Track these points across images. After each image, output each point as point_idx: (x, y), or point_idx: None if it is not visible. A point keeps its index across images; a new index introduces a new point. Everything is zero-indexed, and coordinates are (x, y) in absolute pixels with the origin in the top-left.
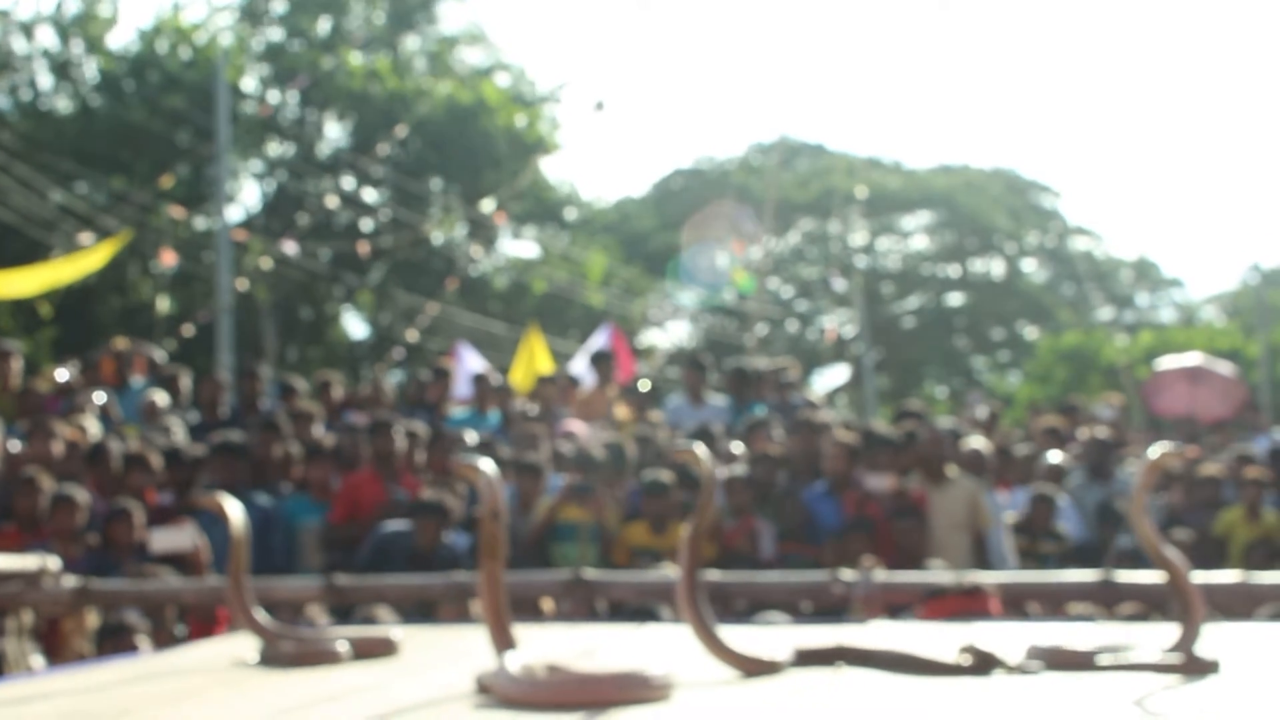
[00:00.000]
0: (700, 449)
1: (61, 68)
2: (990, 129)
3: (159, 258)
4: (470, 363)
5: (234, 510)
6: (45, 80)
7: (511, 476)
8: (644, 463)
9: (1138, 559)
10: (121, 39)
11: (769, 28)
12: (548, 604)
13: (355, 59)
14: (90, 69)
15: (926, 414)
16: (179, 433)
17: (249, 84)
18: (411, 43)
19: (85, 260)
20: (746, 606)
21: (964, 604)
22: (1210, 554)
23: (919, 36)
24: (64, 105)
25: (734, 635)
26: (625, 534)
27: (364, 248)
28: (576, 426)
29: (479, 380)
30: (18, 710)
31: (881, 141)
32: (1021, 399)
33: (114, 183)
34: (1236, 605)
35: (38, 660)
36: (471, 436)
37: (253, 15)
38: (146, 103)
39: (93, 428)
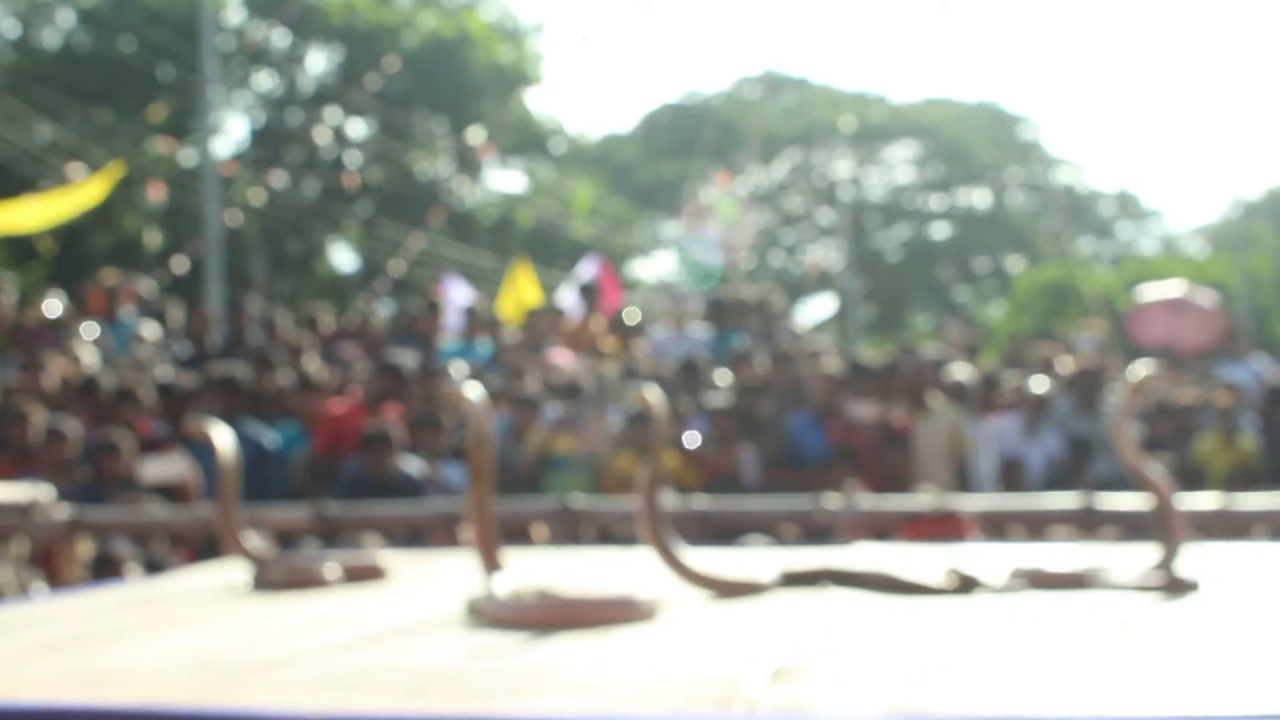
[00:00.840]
0: (651, 392)
1: (45, 4)
2: (973, 62)
3: (147, 192)
4: (458, 295)
5: (223, 439)
6: (27, 15)
7: (505, 407)
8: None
9: (1109, 487)
10: None
11: None
12: (540, 531)
13: None
14: (76, 3)
15: (912, 349)
16: (161, 364)
17: (232, 17)
18: None
19: (82, 194)
20: (732, 531)
21: (940, 526)
22: (1187, 481)
23: None
24: (49, 40)
25: (719, 559)
26: (615, 463)
27: (353, 180)
28: (561, 357)
29: (469, 312)
30: (13, 635)
31: (866, 75)
32: (1002, 330)
33: (100, 116)
34: (1218, 530)
35: (40, 586)
36: (462, 368)
37: None
38: (132, 36)
39: (87, 358)
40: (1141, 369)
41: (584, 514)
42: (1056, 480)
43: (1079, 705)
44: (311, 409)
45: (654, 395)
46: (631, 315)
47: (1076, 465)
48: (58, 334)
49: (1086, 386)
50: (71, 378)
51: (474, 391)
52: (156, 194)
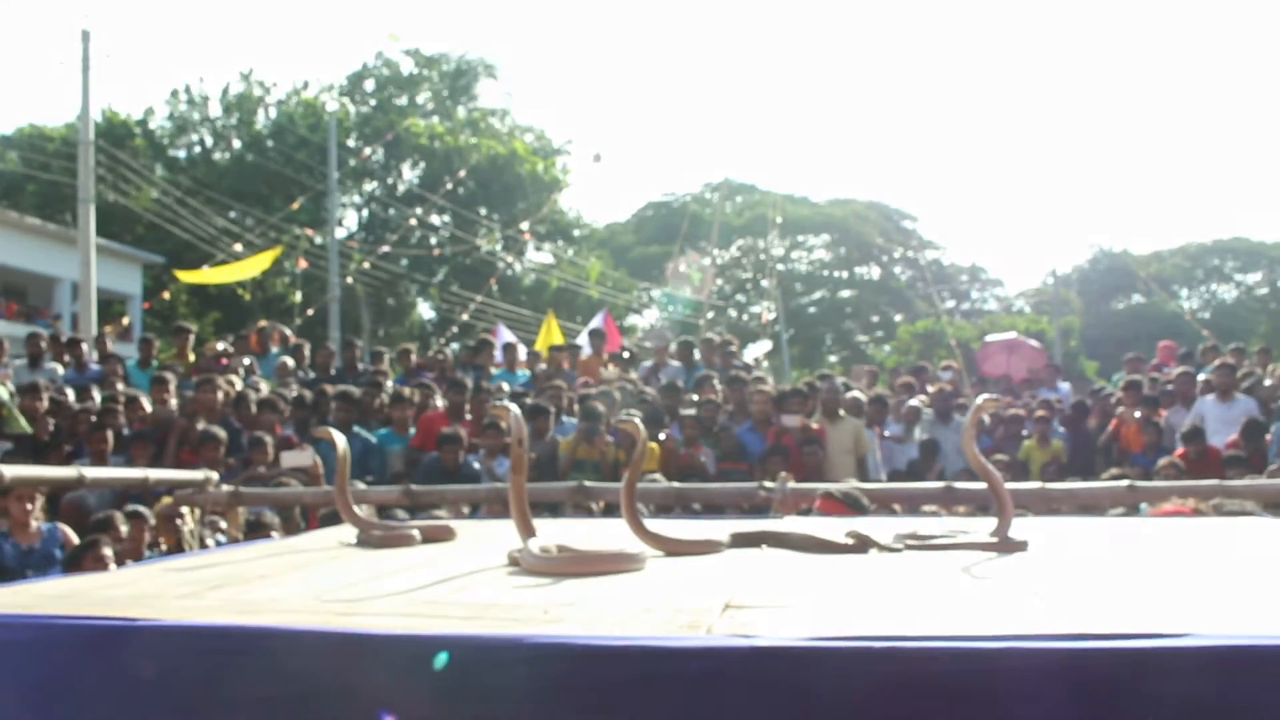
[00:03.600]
0: (638, 421)
1: (223, 131)
2: (869, 171)
3: (295, 264)
4: (506, 337)
5: (340, 439)
6: (210, 139)
7: (538, 417)
8: (626, 405)
9: (961, 479)
10: (263, 113)
11: (718, 97)
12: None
13: (417, 123)
14: (243, 133)
15: (832, 376)
16: (293, 387)
17: (349, 142)
18: (460, 112)
19: (256, 263)
20: (699, 508)
21: (832, 508)
22: (1017, 472)
23: (821, 104)
24: (221, 157)
25: (685, 528)
26: (613, 455)
27: (437, 251)
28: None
29: (507, 348)
30: (192, 574)
31: (795, 180)
32: (889, 365)
33: (256, 211)
34: (1037, 507)
35: (217, 539)
36: (504, 388)
37: (351, 95)
38: (283, 156)
39: (264, 386)
40: (984, 396)
41: (594, 492)
42: (913, 469)
43: (944, 628)
44: (403, 418)
45: (638, 424)
46: (626, 354)
47: (926, 461)
48: (226, 364)
49: (943, 404)
50: (232, 395)
51: (514, 408)
52: (302, 264)
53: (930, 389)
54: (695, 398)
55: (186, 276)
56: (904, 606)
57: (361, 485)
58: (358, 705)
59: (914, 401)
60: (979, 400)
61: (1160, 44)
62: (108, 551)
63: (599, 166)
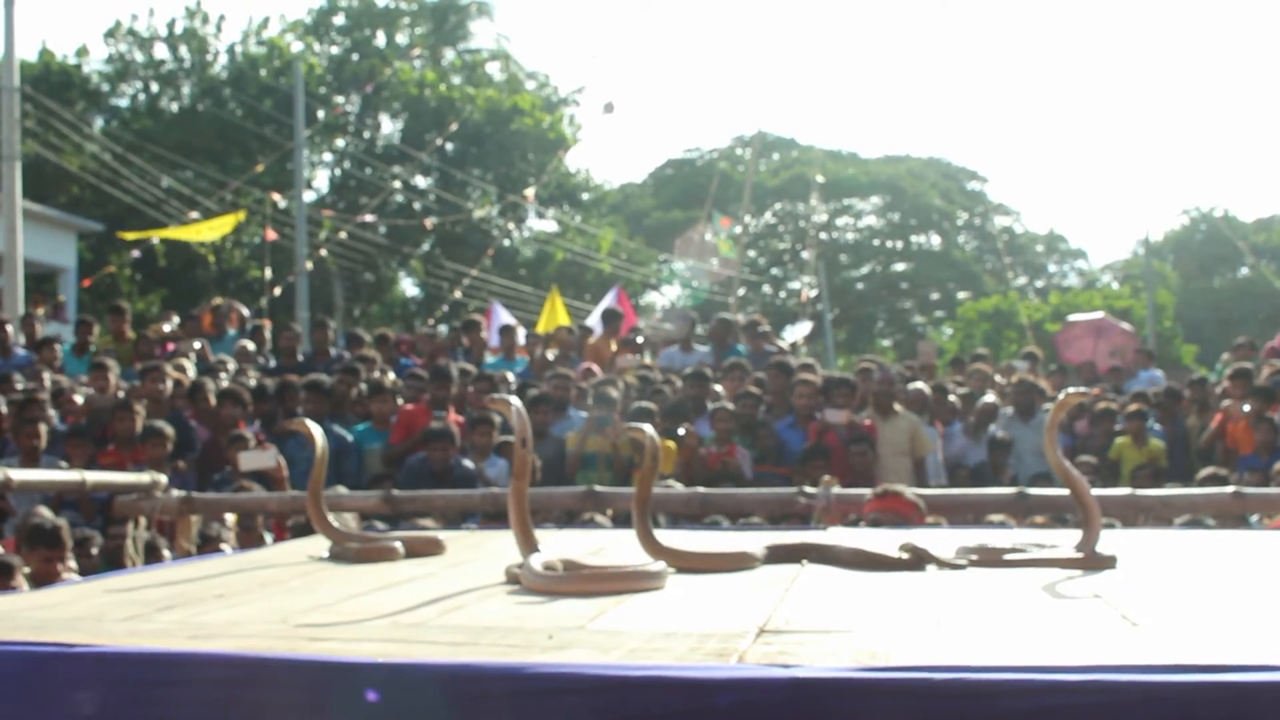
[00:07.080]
0: (647, 429)
1: (170, 76)
2: (928, 123)
3: (256, 233)
4: (502, 318)
5: (317, 434)
6: (155, 86)
7: (541, 409)
8: (642, 396)
9: (1040, 483)
10: (217, 52)
11: (751, 36)
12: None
13: (408, 70)
14: (195, 79)
15: (882, 364)
16: (254, 372)
17: (319, 91)
18: (449, 54)
19: (218, 225)
20: (732, 516)
21: (899, 506)
22: (1106, 475)
23: (871, 46)
24: (171, 107)
25: (715, 539)
26: (627, 448)
27: (428, 223)
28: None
29: (504, 331)
30: (137, 594)
31: (840, 134)
32: (950, 350)
33: (210, 171)
34: (1126, 516)
35: (166, 554)
36: (507, 377)
37: (318, 31)
38: (243, 107)
39: (231, 366)
40: (1069, 389)
41: (605, 498)
42: (978, 473)
43: (1016, 658)
44: (384, 412)
45: (645, 430)
46: (640, 338)
47: (995, 463)
48: (175, 348)
49: (1026, 398)
50: (183, 384)
51: (516, 401)
52: (271, 235)
53: (1000, 379)
54: (720, 389)
55: (132, 236)
56: (968, 632)
57: (340, 489)
58: None
59: (989, 397)
60: (1063, 394)
61: None
62: (20, 578)
63: (611, 118)
